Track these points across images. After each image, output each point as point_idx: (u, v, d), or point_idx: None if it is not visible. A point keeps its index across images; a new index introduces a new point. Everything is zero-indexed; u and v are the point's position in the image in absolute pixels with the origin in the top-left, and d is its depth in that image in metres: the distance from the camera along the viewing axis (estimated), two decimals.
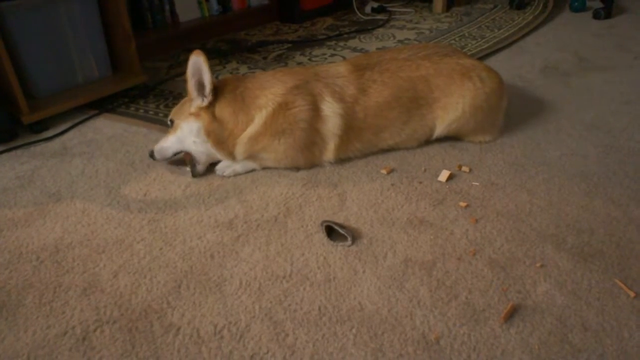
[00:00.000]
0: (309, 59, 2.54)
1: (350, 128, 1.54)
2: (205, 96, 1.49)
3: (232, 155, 1.55)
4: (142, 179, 1.57)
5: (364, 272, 1.17)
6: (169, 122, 1.60)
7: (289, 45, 2.79)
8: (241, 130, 1.51)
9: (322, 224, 1.31)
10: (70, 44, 2.02)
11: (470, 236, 1.27)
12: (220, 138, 1.51)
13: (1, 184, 1.58)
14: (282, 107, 1.49)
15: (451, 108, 1.59)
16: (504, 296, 1.08)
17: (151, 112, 2.03)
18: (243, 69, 2.45)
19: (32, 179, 1.61)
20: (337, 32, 2.97)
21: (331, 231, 1.28)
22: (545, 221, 1.31)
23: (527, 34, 2.79)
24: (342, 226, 1.28)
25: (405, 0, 3.56)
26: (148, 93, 2.23)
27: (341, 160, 1.60)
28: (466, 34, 2.83)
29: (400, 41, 2.77)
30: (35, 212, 1.43)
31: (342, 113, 1.52)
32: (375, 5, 3.35)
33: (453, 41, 2.72)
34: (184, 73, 2.44)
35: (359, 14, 3.28)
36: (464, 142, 1.70)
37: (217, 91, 1.51)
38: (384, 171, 1.55)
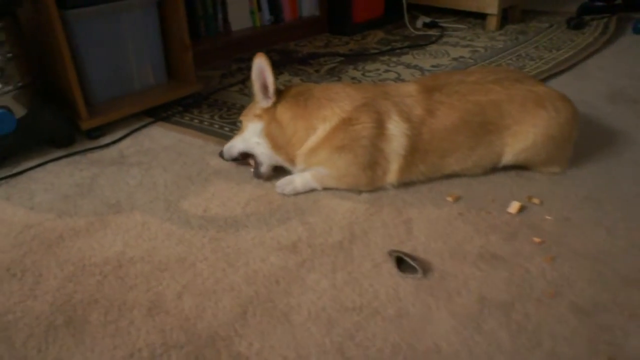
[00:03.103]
0: (362, 74, 2.50)
1: (415, 150, 1.49)
2: (269, 97, 1.50)
3: (292, 162, 1.55)
4: (201, 194, 1.55)
5: (437, 309, 1.11)
6: (238, 123, 1.62)
7: (341, 58, 2.75)
8: (300, 138, 1.50)
9: (390, 254, 1.26)
10: (129, 52, 2.03)
11: (548, 276, 1.20)
12: (279, 141, 1.52)
13: (62, 191, 1.58)
14: (346, 123, 1.46)
15: (522, 136, 1.52)
16: (593, 347, 1.01)
17: (206, 123, 2.01)
18: (296, 82, 2.42)
19: (91, 187, 1.60)
20: (389, 47, 2.92)
21: (400, 262, 1.23)
22: (628, 264, 1.23)
23: (588, 56, 2.69)
24: (412, 257, 1.23)
25: (457, 16, 3.49)
26: (202, 102, 2.22)
27: (404, 183, 1.55)
28: (523, 54, 2.75)
29: (454, 59, 2.70)
30: (96, 223, 1.42)
31: (408, 133, 1.47)
32: (427, 20, 3.30)
33: (510, 61, 2.64)
34: (237, 83, 2.44)
35: (411, 29, 3.23)
36: (531, 172, 1.62)
37: (282, 94, 1.53)
38: (450, 199, 1.49)
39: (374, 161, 1.49)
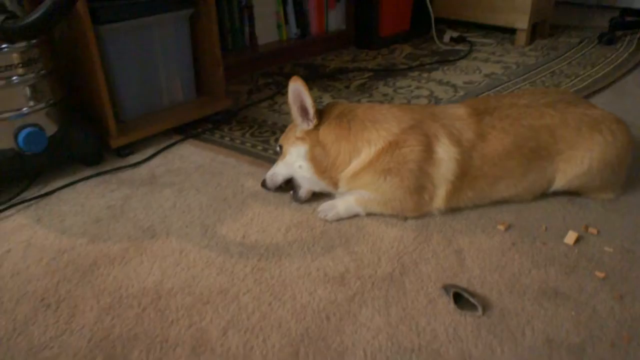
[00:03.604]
0: (394, 91, 2.44)
1: (464, 175, 1.42)
2: (309, 120, 1.45)
3: (335, 186, 1.49)
4: (239, 218, 1.48)
5: (502, 351, 1.03)
6: (277, 149, 1.57)
7: (370, 73, 2.69)
8: (343, 161, 1.44)
9: (446, 289, 1.18)
10: (159, 67, 1.98)
11: (618, 316, 1.12)
12: (322, 164, 1.46)
13: (94, 214, 1.52)
14: (393, 146, 1.40)
15: (576, 162, 1.44)
16: None
17: (237, 141, 1.95)
18: (326, 98, 2.36)
19: (123, 209, 1.54)
20: (418, 62, 2.86)
21: (458, 297, 1.15)
22: None
23: (626, 73, 2.61)
24: (470, 293, 1.15)
25: (484, 31, 3.43)
26: (231, 119, 2.16)
27: (451, 209, 1.48)
28: (557, 71, 2.67)
29: (486, 75, 2.63)
30: (131, 249, 1.36)
31: (458, 158, 1.40)
32: (455, 34, 3.24)
33: (544, 78, 2.57)
34: (266, 99, 2.39)
35: (439, 43, 3.16)
36: (582, 198, 1.54)
37: (323, 115, 1.48)
38: (501, 227, 1.42)
39: (421, 185, 1.42)
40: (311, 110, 1.43)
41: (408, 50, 3.11)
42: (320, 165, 1.45)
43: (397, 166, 1.40)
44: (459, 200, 1.46)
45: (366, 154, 1.42)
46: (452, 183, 1.42)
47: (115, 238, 1.41)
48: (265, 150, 1.88)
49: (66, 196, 1.62)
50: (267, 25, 2.84)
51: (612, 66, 2.71)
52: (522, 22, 3.10)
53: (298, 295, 1.19)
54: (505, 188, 1.47)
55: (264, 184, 1.56)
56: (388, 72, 2.71)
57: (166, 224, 1.46)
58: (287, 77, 2.69)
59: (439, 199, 1.44)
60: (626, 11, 3.71)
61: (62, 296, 1.20)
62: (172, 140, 1.98)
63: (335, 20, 3.09)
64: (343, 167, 1.45)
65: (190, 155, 1.87)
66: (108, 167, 1.78)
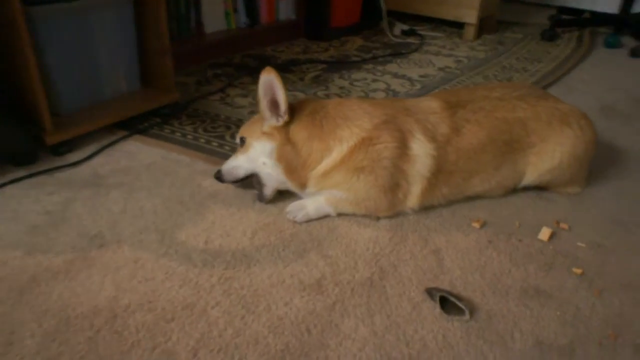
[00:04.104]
0: (350, 84, 2.37)
1: (440, 171, 1.37)
2: (280, 116, 1.34)
3: (303, 186, 1.39)
4: (199, 222, 1.35)
5: (494, 357, 0.99)
6: (238, 140, 1.44)
7: (323, 66, 2.60)
8: (315, 160, 1.35)
9: (430, 292, 1.12)
10: (100, 54, 1.79)
11: (601, 314, 1.11)
12: (293, 164, 1.36)
13: (29, 221, 1.33)
14: (366, 143, 1.32)
15: (547, 156, 1.43)
16: None
17: (189, 137, 1.80)
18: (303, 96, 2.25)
19: (64, 215, 1.36)
20: (371, 55, 2.80)
21: (444, 302, 1.09)
22: None
23: (570, 69, 2.69)
24: (456, 296, 1.09)
25: (432, 24, 3.43)
26: (180, 113, 2.00)
27: (425, 207, 1.42)
28: (507, 65, 2.71)
29: (440, 69, 2.62)
30: (76, 260, 1.20)
31: (434, 154, 1.34)
32: (406, 27, 3.22)
33: (496, 72, 2.59)
34: (216, 91, 2.24)
35: (390, 36, 3.13)
36: (549, 193, 1.54)
37: (293, 112, 1.36)
38: (476, 224, 1.38)
39: (395, 183, 1.35)
40: (283, 106, 1.32)
41: (360, 43, 3.05)
42: (290, 164, 1.34)
43: (370, 164, 1.32)
44: (433, 197, 1.41)
45: (338, 152, 1.33)
46: (427, 180, 1.36)
47: (57, 249, 1.23)
48: (220, 146, 1.74)
49: None
50: (215, 12, 2.67)
51: (557, 62, 2.78)
52: (470, 17, 3.13)
53: (273, 306, 1.09)
54: (480, 183, 1.43)
55: (218, 176, 1.43)
56: (342, 65, 2.63)
57: (116, 231, 1.31)
58: (238, 69, 2.57)
59: (414, 197, 1.38)
60: (562, 10, 3.86)
61: None
62: (116, 137, 1.79)
63: (286, 9, 2.97)
64: (313, 167, 1.35)
65: (137, 153, 1.70)
66: (43, 167, 1.58)
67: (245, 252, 1.24)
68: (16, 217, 1.35)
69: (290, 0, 2.97)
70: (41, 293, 1.10)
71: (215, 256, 1.23)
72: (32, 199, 1.43)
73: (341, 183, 1.34)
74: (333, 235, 1.32)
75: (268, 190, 1.41)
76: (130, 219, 1.36)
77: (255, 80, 2.36)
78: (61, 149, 1.66)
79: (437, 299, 1.09)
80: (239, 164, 1.40)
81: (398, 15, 3.46)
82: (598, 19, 3.54)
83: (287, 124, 1.34)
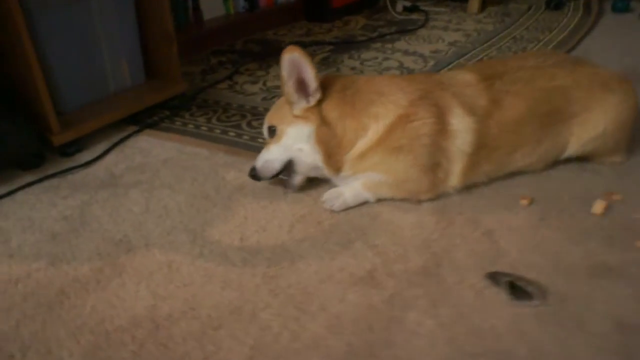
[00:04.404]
0: (361, 63, 2.27)
1: (481, 146, 1.28)
2: (309, 95, 1.24)
3: (338, 171, 1.30)
4: (230, 218, 1.26)
5: (575, 343, 0.91)
6: (265, 131, 1.33)
7: (330, 47, 2.50)
8: (349, 141, 1.26)
9: (493, 277, 1.04)
10: (102, 47, 1.67)
11: None
12: (330, 147, 1.26)
13: (47, 228, 1.23)
14: (403, 120, 1.23)
15: (590, 125, 1.35)
16: None
17: (204, 128, 1.70)
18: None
19: (84, 219, 1.26)
20: (377, 33, 2.70)
21: (511, 287, 1.01)
22: None
23: (584, 36, 2.60)
24: (524, 280, 1.02)
25: (434, 0, 3.33)
26: (190, 104, 1.90)
27: (466, 186, 1.34)
28: (518, 37, 2.62)
29: (451, 43, 2.53)
30: (105, 268, 1.10)
31: (474, 127, 1.26)
32: (407, 3, 3.11)
33: (508, 44, 2.51)
34: (223, 79, 2.13)
35: (393, 13, 3.02)
36: (592, 164, 1.46)
37: (322, 89, 1.26)
38: (524, 202, 1.30)
39: (435, 162, 1.26)
40: (313, 84, 1.22)
41: (363, 22, 2.94)
42: (328, 147, 1.25)
43: (409, 142, 1.23)
44: (475, 175, 1.33)
45: (374, 131, 1.24)
46: (468, 156, 1.28)
47: (82, 256, 1.14)
48: (238, 136, 1.64)
49: (5, 209, 1.32)
50: None
51: (567, 30, 2.70)
52: None
53: (327, 304, 1.00)
54: (522, 157, 1.35)
55: (254, 175, 1.32)
56: (349, 45, 2.53)
57: (142, 233, 1.21)
58: (241, 55, 2.45)
59: (455, 176, 1.30)
60: None
61: (26, 342, 0.93)
62: (126, 133, 1.69)
63: None
64: (349, 148, 1.26)
65: (151, 149, 1.60)
66: (53, 170, 1.48)
67: (286, 247, 1.16)
68: (32, 225, 1.25)
69: None
70: (73, 306, 1.01)
71: (255, 254, 1.14)
72: (46, 205, 1.33)
73: (378, 164, 1.26)
74: (376, 222, 1.24)
75: (298, 178, 1.32)
76: (155, 219, 1.26)
77: (261, 65, 2.27)
78: (69, 149, 1.56)
79: (504, 284, 1.01)
80: (273, 156, 1.29)
81: None
82: None
83: (319, 103, 1.24)
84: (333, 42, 2.56)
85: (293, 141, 1.27)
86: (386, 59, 2.32)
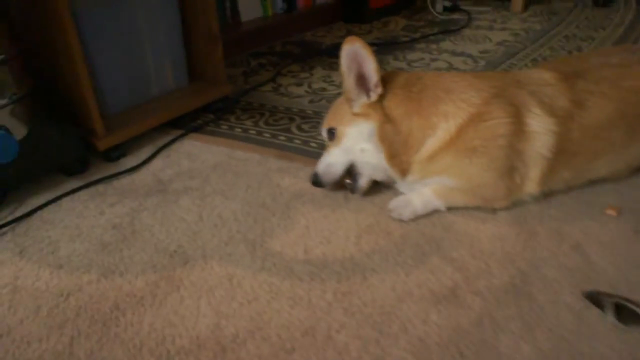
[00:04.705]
0: (408, 64, 2.17)
1: (561, 151, 1.17)
2: (371, 90, 1.16)
3: (404, 173, 1.20)
4: (290, 228, 1.17)
5: None
6: (324, 133, 1.25)
7: (374, 47, 2.40)
8: (416, 140, 1.16)
9: (593, 297, 0.93)
10: (146, 48, 1.61)
11: None
12: (395, 145, 1.17)
13: (96, 237, 1.16)
14: (475, 119, 1.13)
15: None
16: None
17: (252, 132, 1.62)
18: (335, 76, 2.06)
19: (134, 228, 1.19)
20: (420, 34, 2.60)
21: (619, 309, 0.90)
22: None
23: None
24: (633, 302, 0.90)
25: None
26: (234, 107, 1.82)
27: (544, 195, 1.23)
28: (569, 35, 2.49)
29: (499, 43, 2.41)
30: (161, 282, 1.02)
31: (555, 130, 1.15)
32: (448, 4, 3.00)
33: (560, 43, 2.38)
34: (267, 81, 2.05)
35: (435, 13, 2.92)
36: None
37: (384, 85, 1.17)
38: (611, 212, 1.18)
39: (511, 166, 1.16)
40: (375, 77, 1.14)
41: (403, 23, 2.84)
42: (392, 146, 1.16)
43: (483, 143, 1.13)
44: (553, 182, 1.21)
45: (444, 130, 1.14)
46: (547, 161, 1.17)
47: (135, 269, 1.06)
48: (290, 140, 1.56)
49: (51, 216, 1.25)
50: (250, 0, 2.48)
51: (622, 28, 2.56)
52: None
53: (409, 325, 0.90)
54: (606, 164, 1.23)
55: (317, 182, 1.23)
56: (392, 46, 2.43)
57: (198, 244, 1.13)
58: (282, 57, 2.38)
59: (532, 182, 1.19)
60: None
61: None
62: (171, 137, 1.62)
63: None
64: (416, 148, 1.16)
65: (199, 153, 1.52)
66: (98, 175, 1.41)
67: (355, 261, 1.06)
68: (80, 233, 1.18)
69: None
70: (129, 324, 0.92)
71: (322, 267, 1.04)
72: (94, 212, 1.26)
73: (450, 168, 1.15)
74: (450, 234, 1.13)
75: (364, 181, 1.23)
76: (210, 228, 1.18)
77: (303, 67, 2.19)
78: (114, 153, 1.49)
79: (610, 306, 0.89)
80: (334, 159, 1.21)
81: None
82: None
83: (380, 99, 1.15)
84: (376, 43, 2.46)
85: (354, 141, 1.18)
86: (433, 59, 2.22)
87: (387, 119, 1.15)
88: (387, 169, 1.20)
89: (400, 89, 1.18)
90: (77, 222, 1.22)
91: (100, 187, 1.36)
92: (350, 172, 1.22)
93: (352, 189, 1.24)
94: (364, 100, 1.17)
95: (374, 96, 1.16)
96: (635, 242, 1.09)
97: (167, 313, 0.94)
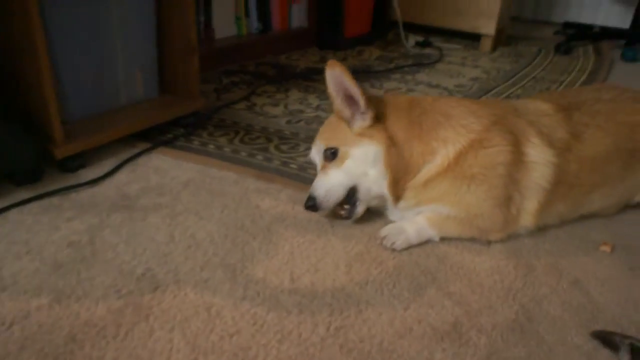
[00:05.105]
0: (385, 92, 2.13)
1: (559, 183, 1.13)
2: (362, 113, 1.10)
3: (398, 199, 1.13)
4: (273, 254, 1.06)
5: None
6: (318, 154, 1.16)
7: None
8: (416, 166, 1.10)
9: (604, 338, 0.87)
10: (117, 53, 1.49)
11: None
12: (398, 171, 1.10)
13: (49, 256, 1.01)
14: (475, 146, 1.08)
15: None
16: None
17: (227, 150, 1.51)
18: (312, 99, 1.99)
19: (95, 247, 1.04)
20: (394, 65, 2.59)
21: (634, 351, 0.84)
22: None
23: (605, 79, 2.56)
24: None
25: (444, 36, 3.27)
26: (205, 123, 1.71)
27: (538, 228, 1.18)
28: (538, 77, 2.56)
29: (473, 79, 2.44)
30: (126, 309, 0.88)
31: (553, 161, 1.12)
32: (420, 39, 3.04)
33: (531, 83, 2.43)
34: (240, 99, 1.96)
35: (407, 47, 2.94)
36: None
37: (382, 106, 1.13)
38: (605, 248, 1.15)
39: (509, 196, 1.11)
40: (361, 101, 1.09)
41: (377, 53, 2.84)
42: (396, 171, 1.09)
43: (482, 171, 1.08)
44: (548, 215, 1.18)
45: (443, 156, 1.09)
46: (545, 192, 1.13)
47: (96, 293, 0.92)
48: (268, 160, 1.46)
49: None
50: (226, 17, 2.40)
51: (586, 73, 2.66)
52: (488, 28, 2.98)
53: None
54: (600, 198, 1.21)
55: (313, 206, 1.11)
56: (367, 74, 2.41)
57: (170, 267, 1.00)
58: (255, 76, 2.30)
59: (528, 214, 1.14)
60: (567, 25, 3.81)
61: None
62: (137, 149, 1.48)
63: (299, 16, 2.73)
64: (414, 174, 1.10)
65: (169, 169, 1.39)
66: (53, 187, 1.25)
67: (347, 292, 0.96)
68: (30, 250, 1.02)
69: (303, 7, 2.74)
70: (87, 359, 0.78)
71: (311, 298, 0.94)
72: (46, 227, 1.10)
73: (447, 195, 1.09)
74: (445, 265, 1.06)
75: (361, 207, 1.14)
76: (182, 250, 1.05)
77: (279, 89, 2.11)
78: (72, 163, 1.34)
79: (626, 347, 0.84)
80: (336, 181, 1.11)
81: (408, 27, 3.28)
82: (609, 32, 3.50)
83: (380, 121, 1.10)
84: (353, 70, 2.43)
85: (358, 164, 1.10)
86: (410, 90, 2.20)
87: (392, 142, 1.09)
88: (384, 195, 1.12)
89: (403, 111, 1.13)
90: (26, 237, 1.06)
91: (55, 200, 1.21)
92: (349, 196, 1.13)
93: (348, 215, 1.15)
94: (360, 122, 1.11)
95: (367, 119, 1.10)
96: (633, 280, 1.06)
97: (134, 347, 0.81)
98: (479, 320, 0.91)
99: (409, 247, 1.10)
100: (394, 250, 1.09)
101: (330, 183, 1.11)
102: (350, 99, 1.11)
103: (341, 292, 0.96)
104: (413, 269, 1.04)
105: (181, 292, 0.93)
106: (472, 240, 1.14)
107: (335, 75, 1.09)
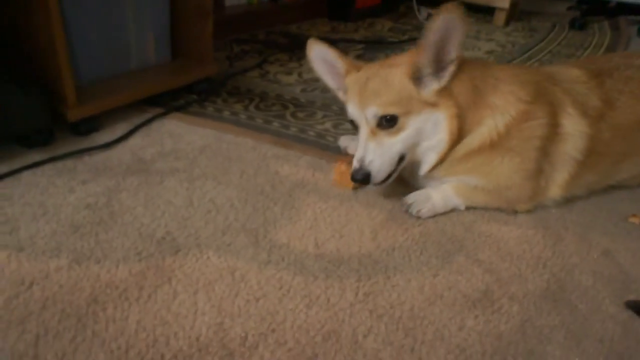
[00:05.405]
0: None
1: (590, 153, 1.09)
2: (445, 69, 0.98)
3: (433, 169, 1.07)
4: (296, 219, 1.03)
5: None
6: (375, 118, 1.00)
7: (362, 45, 2.31)
8: (465, 134, 1.03)
9: (634, 306, 0.85)
10: (128, 15, 1.43)
11: None
12: (455, 142, 1.03)
13: (67, 218, 0.98)
14: (521, 117, 1.02)
15: None
16: None
17: (243, 116, 1.47)
18: None
19: (112, 209, 1.01)
20: (407, 36, 2.54)
21: None
22: None
23: None
24: None
25: None
26: (219, 90, 1.66)
27: (564, 200, 1.15)
28: (554, 51, 2.50)
29: (488, 52, 2.38)
30: (148, 272, 0.86)
31: (587, 132, 1.07)
32: (432, 11, 2.96)
33: (546, 58, 2.38)
34: (253, 67, 1.90)
35: (420, 19, 2.87)
36: None
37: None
38: (635, 220, 1.12)
39: (540, 168, 1.07)
40: (454, 52, 0.96)
41: (389, 25, 2.77)
42: (453, 141, 1.03)
43: (520, 143, 1.03)
44: (577, 186, 1.15)
45: (490, 124, 1.02)
46: (577, 164, 1.09)
47: (116, 255, 0.89)
48: (285, 127, 1.42)
49: (9, 191, 1.05)
50: None
51: (602, 48, 2.60)
52: (503, 1, 2.91)
53: (444, 331, 0.79)
54: (628, 167, 1.18)
55: (365, 178, 1.00)
56: (381, 45, 2.35)
57: (190, 231, 0.97)
58: (266, 45, 2.24)
59: (556, 186, 1.11)
60: (582, 0, 3.72)
61: None
62: (150, 114, 1.44)
63: None
64: (458, 143, 1.04)
65: (183, 134, 1.36)
66: (65, 149, 1.22)
67: (374, 258, 0.94)
68: (46, 212, 0.99)
69: None
70: (111, 320, 0.76)
71: (337, 264, 0.91)
72: (62, 189, 1.07)
73: (480, 167, 1.05)
74: (472, 234, 1.03)
75: (394, 176, 1.06)
76: (202, 215, 1.02)
77: (291, 57, 2.06)
78: (84, 126, 1.31)
79: None
80: (394, 153, 1.02)
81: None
82: (626, 7, 3.42)
83: (448, 84, 1.00)
84: (364, 41, 2.37)
85: (418, 134, 1.01)
86: None
87: (458, 110, 1.00)
88: (423, 164, 1.07)
89: (466, 73, 1.02)
90: (41, 199, 1.03)
91: (69, 163, 1.17)
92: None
93: (371, 180, 1.07)
94: (435, 84, 1.00)
95: (446, 77, 0.99)
96: None
97: (158, 309, 0.78)
98: (510, 288, 0.89)
99: (435, 215, 1.07)
100: (419, 217, 1.06)
101: (386, 155, 1.01)
102: (438, 58, 0.97)
103: (368, 258, 0.93)
104: (440, 236, 1.01)
105: (203, 255, 0.90)
106: (498, 210, 1.11)
107: (450, 20, 0.92)
